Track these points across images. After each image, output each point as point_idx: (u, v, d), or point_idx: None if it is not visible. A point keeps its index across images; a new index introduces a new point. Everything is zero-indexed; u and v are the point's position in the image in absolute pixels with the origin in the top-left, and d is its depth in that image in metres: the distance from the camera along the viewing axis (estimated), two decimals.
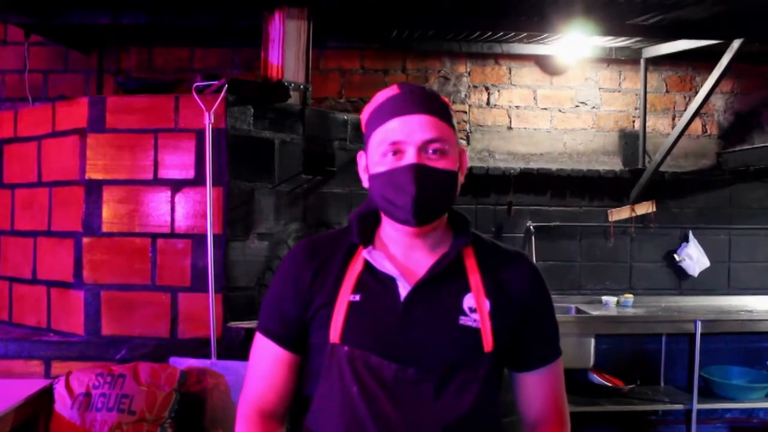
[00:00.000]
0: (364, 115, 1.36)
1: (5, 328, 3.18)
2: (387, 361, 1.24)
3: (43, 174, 3.15)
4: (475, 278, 1.32)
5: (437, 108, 1.29)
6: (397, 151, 1.26)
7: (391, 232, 1.35)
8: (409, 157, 1.25)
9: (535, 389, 1.39)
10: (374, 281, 1.31)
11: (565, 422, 1.40)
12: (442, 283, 1.31)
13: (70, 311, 3.01)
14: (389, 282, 1.31)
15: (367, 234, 1.36)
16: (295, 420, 1.40)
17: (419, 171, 1.24)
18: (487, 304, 1.30)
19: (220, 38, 4.25)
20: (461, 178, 1.34)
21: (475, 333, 1.28)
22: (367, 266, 1.32)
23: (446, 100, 1.35)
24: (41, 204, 3.14)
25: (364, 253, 1.33)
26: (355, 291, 1.30)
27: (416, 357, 1.25)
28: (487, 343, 1.28)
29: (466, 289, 1.31)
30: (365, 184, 1.36)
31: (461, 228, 1.37)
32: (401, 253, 1.34)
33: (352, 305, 1.29)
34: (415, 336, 1.27)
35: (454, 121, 1.34)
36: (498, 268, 1.35)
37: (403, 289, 1.30)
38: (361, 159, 1.37)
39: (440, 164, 1.26)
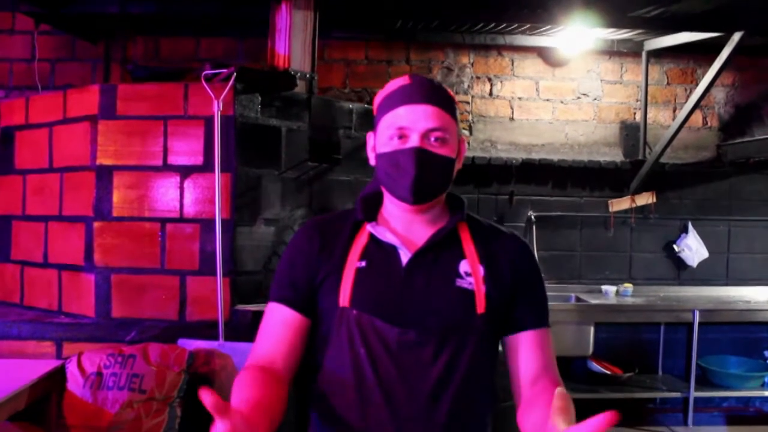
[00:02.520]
0: (377, 100, 1.47)
1: (17, 311, 3.25)
2: (390, 325, 1.34)
3: (55, 160, 3.21)
4: (469, 247, 1.44)
5: (442, 100, 1.40)
6: (402, 135, 1.37)
7: (392, 209, 1.46)
8: (413, 142, 1.37)
9: (526, 352, 1.43)
10: (378, 250, 1.42)
11: (560, 381, 1.41)
12: (440, 251, 1.42)
13: (80, 294, 3.07)
14: (392, 250, 1.41)
15: (371, 212, 1.47)
16: (306, 384, 1.45)
17: (420, 154, 1.36)
18: (481, 270, 1.41)
19: (226, 28, 4.30)
20: (458, 165, 1.46)
21: (469, 295, 1.38)
22: (372, 238, 1.43)
23: (452, 93, 1.46)
24: (52, 189, 3.20)
25: (369, 227, 1.44)
26: (361, 259, 1.41)
27: (417, 320, 1.35)
28: (480, 305, 1.38)
29: (462, 256, 1.42)
30: (372, 161, 1.48)
31: (457, 207, 1.49)
32: (402, 228, 1.45)
33: (359, 271, 1.39)
34: (416, 299, 1.37)
35: (457, 113, 1.46)
36: (491, 241, 1.47)
37: (404, 257, 1.40)
38: (370, 139, 1.49)
39: (440, 151, 1.38)
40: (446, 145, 1.38)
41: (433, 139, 1.37)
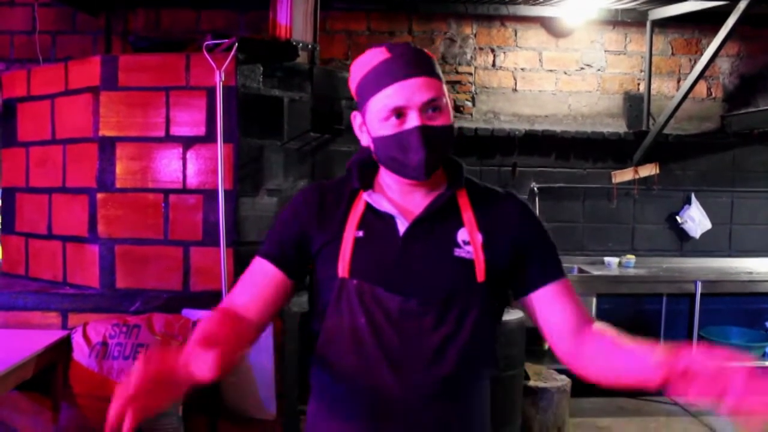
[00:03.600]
0: (357, 75, 1.40)
1: (23, 282, 3.26)
2: (392, 294, 1.34)
3: (57, 131, 3.20)
4: (468, 215, 1.41)
5: (427, 67, 1.35)
6: (399, 114, 1.33)
7: (390, 181, 1.43)
8: (413, 120, 1.32)
9: (557, 303, 1.40)
10: (375, 219, 1.40)
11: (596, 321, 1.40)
12: (438, 219, 1.39)
13: (85, 265, 3.08)
14: (389, 219, 1.39)
15: (367, 179, 1.44)
16: (308, 352, 1.47)
17: (425, 132, 1.32)
18: (479, 238, 1.38)
19: (227, 0, 4.28)
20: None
21: (469, 263, 1.37)
22: (368, 207, 1.41)
23: (430, 53, 1.41)
24: (55, 161, 3.20)
25: (365, 196, 1.41)
26: (358, 228, 1.39)
27: (417, 289, 1.34)
28: (480, 273, 1.36)
29: (460, 225, 1.40)
30: (363, 142, 1.43)
31: (455, 171, 1.45)
32: (399, 196, 1.43)
33: (357, 241, 1.38)
34: (415, 268, 1.36)
35: (440, 71, 1.39)
36: (489, 205, 1.44)
37: (402, 226, 1.38)
38: (356, 119, 1.44)
39: (439, 121, 1.34)
40: (443, 112, 1.35)
41: (430, 110, 1.33)
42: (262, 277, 1.43)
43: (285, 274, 1.42)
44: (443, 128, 1.34)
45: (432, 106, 1.33)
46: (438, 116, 1.34)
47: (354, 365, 1.35)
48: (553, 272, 1.43)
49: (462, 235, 1.39)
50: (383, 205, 1.39)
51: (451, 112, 1.40)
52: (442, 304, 1.34)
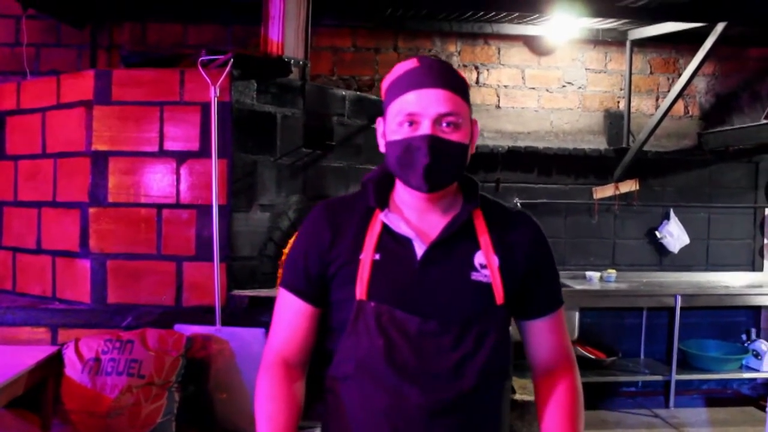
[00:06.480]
0: (385, 84, 1.43)
1: (10, 297, 3.23)
2: (411, 315, 1.35)
3: (48, 145, 3.19)
4: (484, 237, 1.42)
5: (453, 83, 1.36)
6: (413, 122, 1.33)
7: (405, 196, 1.44)
8: (424, 129, 1.32)
9: (544, 334, 1.50)
10: (393, 242, 1.40)
11: (574, 364, 1.52)
12: (455, 243, 1.39)
13: (76, 280, 3.06)
14: (406, 242, 1.40)
15: (382, 198, 1.45)
16: (317, 370, 1.49)
17: (432, 142, 1.32)
18: (495, 260, 1.40)
19: (214, 15, 4.28)
20: (471, 149, 1.43)
21: (486, 287, 1.39)
22: (385, 228, 1.41)
23: (463, 75, 1.42)
24: (46, 175, 3.18)
25: (382, 216, 1.41)
26: (376, 251, 1.39)
27: (435, 311, 1.35)
28: (499, 296, 1.39)
29: (477, 248, 1.41)
30: (382, 148, 1.44)
31: (471, 191, 1.46)
32: (415, 216, 1.43)
33: (374, 264, 1.38)
34: (432, 292, 1.37)
35: (469, 95, 1.42)
36: (505, 227, 1.45)
37: (419, 249, 1.38)
38: (380, 125, 1.45)
39: (453, 137, 1.34)
40: (459, 129, 1.34)
41: (444, 124, 1.33)
42: (293, 314, 1.46)
43: (313, 306, 1.44)
44: (453, 143, 1.34)
45: (447, 120, 1.33)
46: (452, 132, 1.34)
47: (372, 383, 1.35)
48: (555, 302, 1.51)
49: (479, 258, 1.40)
50: (401, 228, 1.39)
51: (470, 136, 1.40)
52: (461, 326, 1.35)
